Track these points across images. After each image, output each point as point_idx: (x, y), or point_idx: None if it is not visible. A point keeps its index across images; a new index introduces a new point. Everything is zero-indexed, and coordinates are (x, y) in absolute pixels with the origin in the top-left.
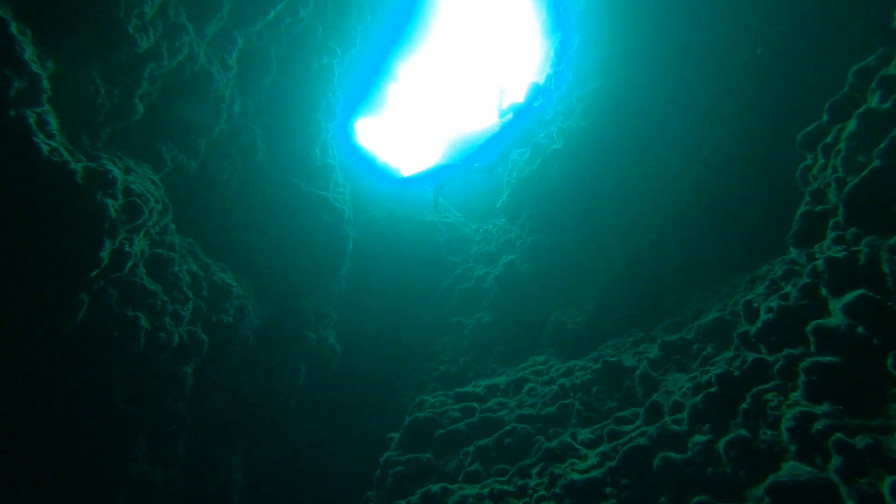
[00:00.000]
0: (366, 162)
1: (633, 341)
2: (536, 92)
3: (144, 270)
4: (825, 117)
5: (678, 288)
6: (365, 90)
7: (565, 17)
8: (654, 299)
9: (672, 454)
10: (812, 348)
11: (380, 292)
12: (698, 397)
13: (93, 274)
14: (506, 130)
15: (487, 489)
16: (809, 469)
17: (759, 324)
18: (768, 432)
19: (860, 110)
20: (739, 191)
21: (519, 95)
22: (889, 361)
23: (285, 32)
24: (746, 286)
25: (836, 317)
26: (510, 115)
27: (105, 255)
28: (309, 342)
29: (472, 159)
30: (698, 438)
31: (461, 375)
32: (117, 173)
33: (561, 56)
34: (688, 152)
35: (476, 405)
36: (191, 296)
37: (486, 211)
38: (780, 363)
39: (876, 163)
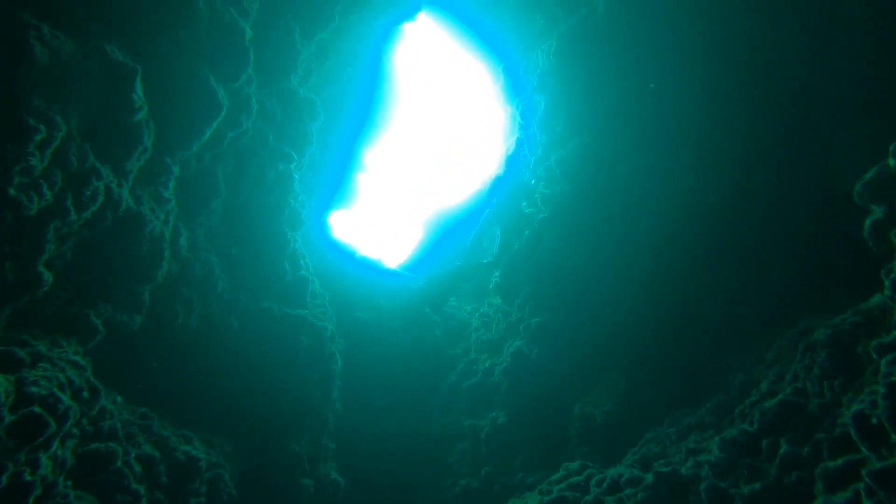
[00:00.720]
0: (346, 257)
1: (679, 431)
2: (509, 160)
3: (70, 484)
4: (892, 161)
5: (713, 353)
6: (335, 183)
7: (525, 80)
8: (688, 371)
9: None
10: None
11: (380, 405)
12: None
13: None
14: (484, 202)
15: None
16: None
17: None
18: None
19: None
20: (765, 236)
21: (490, 165)
22: None
23: (230, 147)
24: (804, 354)
25: None
26: None
27: None
28: (305, 491)
29: (452, 236)
30: None
31: (485, 490)
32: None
33: (528, 119)
34: (689, 199)
35: None
36: (142, 492)
37: (480, 290)
38: None
39: None
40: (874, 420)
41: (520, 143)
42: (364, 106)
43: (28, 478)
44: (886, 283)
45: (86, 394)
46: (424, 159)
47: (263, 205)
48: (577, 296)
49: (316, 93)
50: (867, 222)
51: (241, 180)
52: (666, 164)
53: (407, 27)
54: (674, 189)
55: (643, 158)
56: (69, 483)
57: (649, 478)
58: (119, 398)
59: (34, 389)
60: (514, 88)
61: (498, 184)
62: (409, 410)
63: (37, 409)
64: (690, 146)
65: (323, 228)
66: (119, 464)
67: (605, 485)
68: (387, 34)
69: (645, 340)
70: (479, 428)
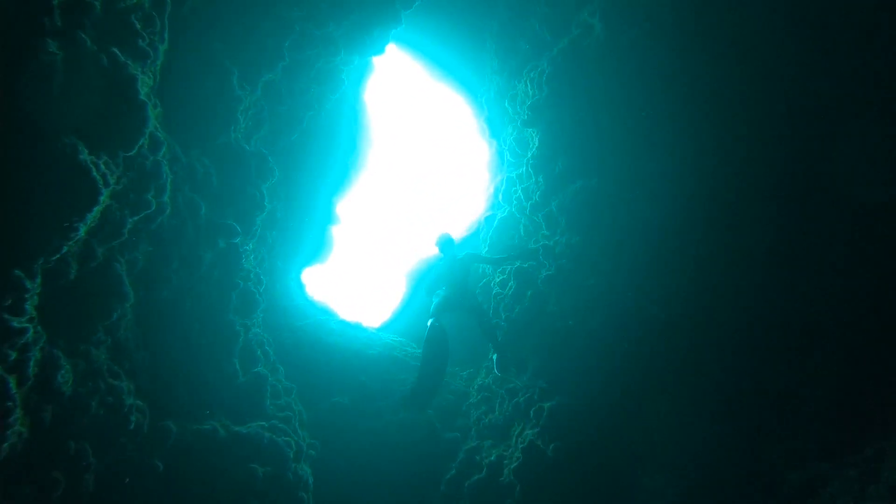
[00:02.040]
0: (322, 324)
1: None
2: (496, 204)
3: None
4: None
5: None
6: (306, 239)
7: (512, 112)
8: (761, 480)
9: None
10: None
11: None
12: None
13: None
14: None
15: None
16: None
17: None
18: None
19: None
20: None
21: (476, 206)
22: None
23: (136, 235)
24: None
25: None
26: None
27: None
28: None
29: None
30: None
31: None
32: None
33: (519, 157)
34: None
35: None
36: None
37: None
38: None
39: None
40: None
41: (510, 182)
42: (332, 151)
43: None
44: None
45: None
46: (404, 204)
47: (199, 295)
48: (599, 373)
49: (269, 145)
50: None
51: (160, 271)
52: (691, 205)
53: (377, 61)
54: (707, 234)
55: (664, 200)
56: None
57: None
58: None
59: None
60: (500, 121)
61: (487, 227)
62: None
63: None
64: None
65: (295, 289)
66: None
67: None
68: (352, 70)
69: (695, 435)
70: None
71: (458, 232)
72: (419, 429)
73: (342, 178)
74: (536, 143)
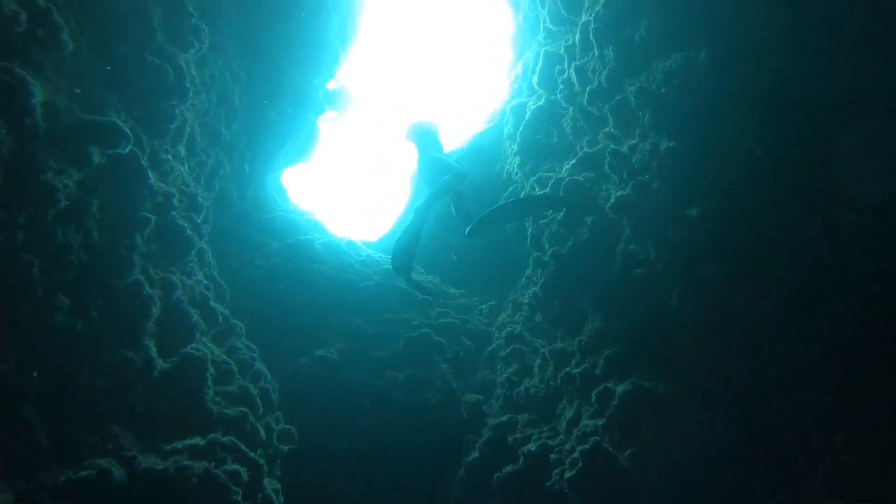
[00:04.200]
0: (300, 245)
1: None
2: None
3: None
4: None
5: None
6: (285, 133)
7: None
8: None
9: None
10: None
11: None
12: None
13: None
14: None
15: None
16: None
17: None
18: None
19: None
20: None
21: (500, 89)
22: None
23: None
24: None
25: None
26: None
27: None
28: None
29: None
30: None
31: None
32: None
33: (567, 23)
34: None
35: None
36: None
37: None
38: None
39: None
40: None
41: (550, 59)
42: (313, 14)
43: None
44: None
45: None
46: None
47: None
48: (706, 351)
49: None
50: None
51: None
52: None
53: None
54: None
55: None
56: None
57: None
58: None
59: None
60: None
61: (514, 120)
62: None
63: None
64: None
65: (269, 198)
66: None
67: None
68: None
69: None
70: None
71: (475, 125)
72: (431, 389)
73: (329, 52)
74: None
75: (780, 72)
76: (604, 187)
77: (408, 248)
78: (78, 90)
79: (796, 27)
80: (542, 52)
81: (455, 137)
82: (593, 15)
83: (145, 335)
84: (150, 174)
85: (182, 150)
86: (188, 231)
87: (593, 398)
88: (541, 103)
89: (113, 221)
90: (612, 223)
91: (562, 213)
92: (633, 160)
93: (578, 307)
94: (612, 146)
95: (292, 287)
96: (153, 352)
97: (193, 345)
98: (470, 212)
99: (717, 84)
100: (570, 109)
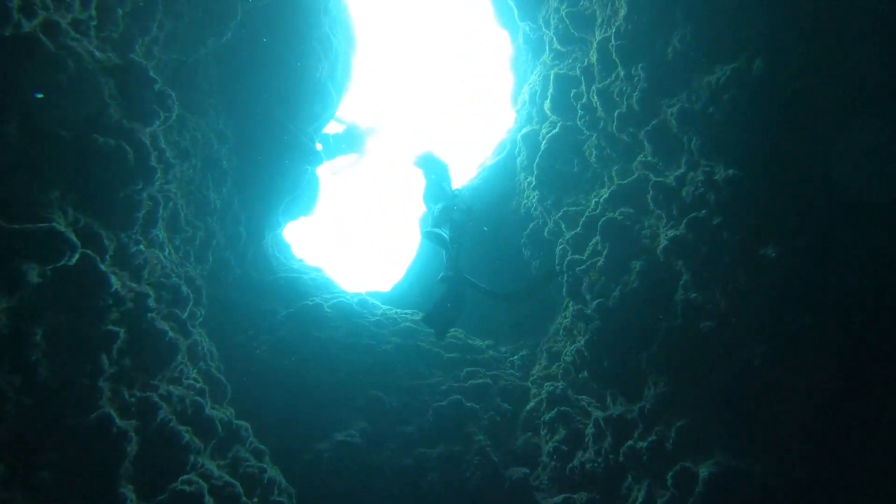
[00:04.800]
0: (307, 310)
1: None
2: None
3: None
4: None
5: None
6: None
7: None
8: None
9: None
10: None
11: None
12: None
13: None
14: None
15: None
16: None
17: None
18: None
19: None
20: None
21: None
22: None
23: None
24: None
25: None
26: None
27: None
28: None
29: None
30: None
31: None
32: None
33: (578, 42)
34: None
35: None
36: None
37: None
38: None
39: None
40: None
41: (565, 82)
42: (302, 58)
43: None
44: None
45: None
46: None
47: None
48: (794, 410)
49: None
50: None
51: None
52: None
53: None
54: None
55: None
56: None
57: None
58: None
59: None
60: None
61: (527, 149)
62: None
63: None
64: None
65: (267, 259)
66: None
67: None
68: None
69: None
70: None
71: (482, 156)
72: (469, 466)
73: (322, 97)
74: (625, 10)
75: (865, 75)
76: (647, 223)
77: (446, 314)
78: (1, 191)
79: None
80: (551, 75)
81: (463, 170)
82: (613, 31)
83: (120, 481)
84: (113, 279)
85: (160, 233)
86: (170, 334)
87: (669, 481)
88: (556, 131)
89: (67, 347)
90: (666, 268)
91: (602, 260)
92: (684, 193)
93: (635, 367)
94: (652, 177)
95: (302, 362)
96: (131, 500)
97: (185, 476)
98: (462, 240)
99: (780, 97)
100: (594, 136)
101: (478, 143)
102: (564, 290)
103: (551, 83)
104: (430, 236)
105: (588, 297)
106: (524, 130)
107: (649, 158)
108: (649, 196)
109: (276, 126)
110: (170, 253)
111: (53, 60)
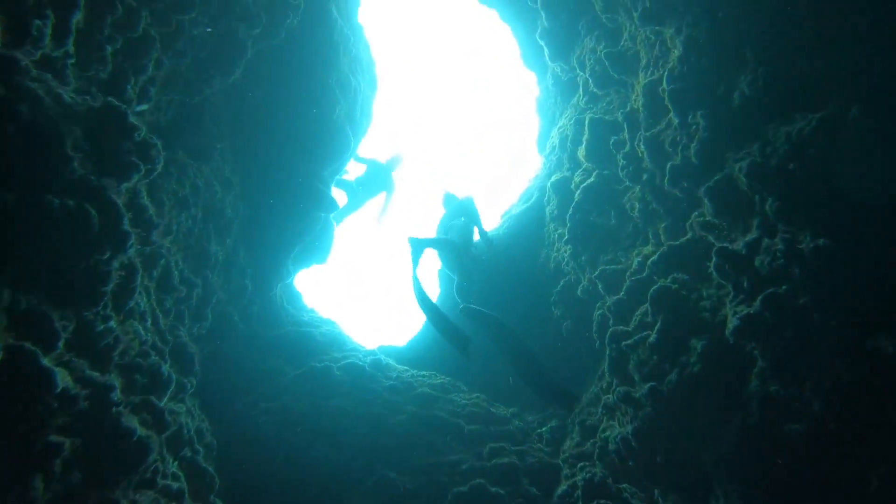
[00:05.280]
0: (314, 374)
1: None
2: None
3: None
4: None
5: None
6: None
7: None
8: None
9: None
10: None
11: None
12: None
13: None
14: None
15: None
16: None
17: None
18: None
19: None
20: None
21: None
22: None
23: None
24: None
25: None
26: None
27: None
28: None
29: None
30: None
31: None
32: None
33: (616, 84)
34: None
35: None
36: None
37: None
38: None
39: None
40: None
41: (600, 128)
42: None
43: None
44: None
45: None
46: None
47: None
48: None
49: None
50: None
51: None
52: None
53: None
54: None
55: None
56: None
57: None
58: None
59: None
60: (565, 33)
61: (557, 196)
62: None
63: None
64: None
65: (284, 306)
66: None
67: None
68: None
69: None
70: None
71: (506, 202)
72: None
73: (338, 140)
74: (680, 51)
75: None
76: (705, 294)
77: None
78: None
79: None
80: (586, 119)
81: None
82: (666, 73)
83: None
84: (59, 376)
85: (141, 300)
86: (140, 432)
87: None
88: (591, 180)
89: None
90: (736, 352)
91: (654, 335)
92: (758, 263)
93: (695, 466)
94: (713, 240)
95: (308, 433)
96: None
97: None
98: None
99: (884, 150)
100: (637, 189)
101: (503, 185)
102: (606, 365)
103: (586, 128)
104: (469, 313)
105: (637, 377)
106: (554, 178)
107: (709, 218)
108: (712, 263)
109: (288, 170)
110: (156, 321)
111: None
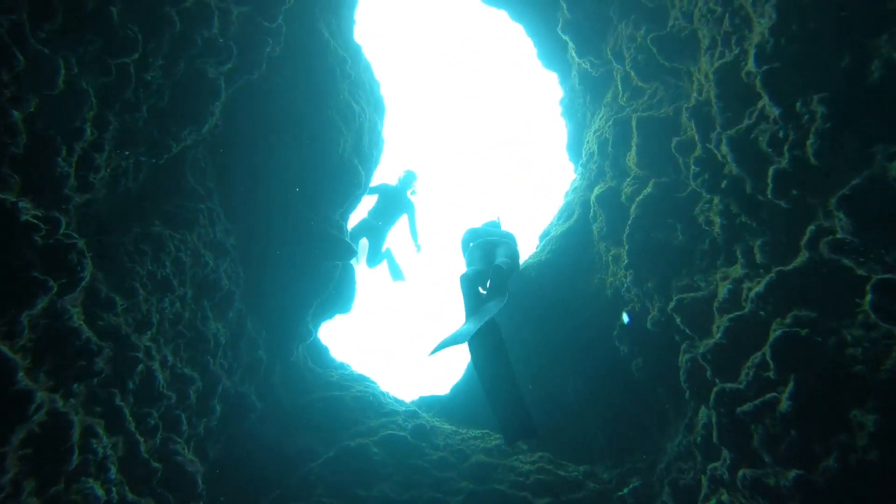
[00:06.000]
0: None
1: None
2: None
3: None
4: None
5: None
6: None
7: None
8: None
9: None
10: None
11: None
12: None
13: None
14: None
15: None
16: None
17: None
18: None
19: None
20: None
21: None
22: None
23: None
24: None
25: None
26: None
27: None
28: None
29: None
30: None
31: None
32: None
33: (664, 82)
34: None
35: None
36: None
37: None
38: None
39: None
40: None
41: (646, 127)
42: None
43: None
44: None
45: None
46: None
47: None
48: None
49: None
50: None
51: None
52: None
53: None
54: None
55: None
56: None
57: None
58: None
59: None
60: (598, 21)
61: (606, 211)
62: None
63: None
64: None
65: (309, 366)
66: None
67: None
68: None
69: None
70: None
71: (542, 221)
72: None
73: (347, 175)
74: (773, 18)
75: None
76: (849, 337)
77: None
78: None
79: None
80: (632, 119)
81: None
82: (754, 51)
83: None
84: None
85: (98, 448)
86: None
87: None
88: (649, 190)
89: None
90: None
91: (786, 403)
92: None
93: None
94: (854, 267)
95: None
96: None
97: None
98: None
99: None
100: (716, 199)
101: (538, 200)
102: (715, 435)
103: (634, 130)
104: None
105: (767, 457)
106: (598, 189)
107: (843, 236)
108: (866, 301)
109: (293, 220)
110: (133, 450)
111: None
